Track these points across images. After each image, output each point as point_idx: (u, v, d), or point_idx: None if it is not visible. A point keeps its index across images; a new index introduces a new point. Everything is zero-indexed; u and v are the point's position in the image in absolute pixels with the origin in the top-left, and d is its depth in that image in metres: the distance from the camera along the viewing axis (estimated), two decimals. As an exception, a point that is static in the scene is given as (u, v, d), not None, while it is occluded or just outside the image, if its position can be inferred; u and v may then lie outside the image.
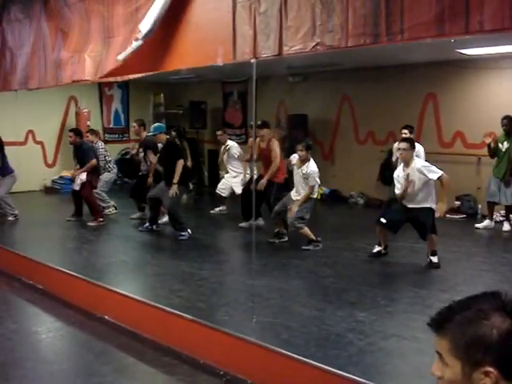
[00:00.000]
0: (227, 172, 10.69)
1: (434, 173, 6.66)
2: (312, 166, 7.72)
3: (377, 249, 7.19)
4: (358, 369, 3.92)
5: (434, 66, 10.56)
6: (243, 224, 9.04)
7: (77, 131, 10.00)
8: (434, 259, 6.80)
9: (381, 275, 6.67)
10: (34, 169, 13.48)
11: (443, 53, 9.36)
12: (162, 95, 15.61)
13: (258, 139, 8.94)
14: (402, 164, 6.93)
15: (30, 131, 13.79)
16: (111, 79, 7.23)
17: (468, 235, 9.02)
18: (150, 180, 9.31)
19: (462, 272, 6.74)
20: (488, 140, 9.02)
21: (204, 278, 6.35)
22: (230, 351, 4.52)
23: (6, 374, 4.49)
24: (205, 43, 5.18)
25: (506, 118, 9.01)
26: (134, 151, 10.30)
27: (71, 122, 14.04)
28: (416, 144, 7.33)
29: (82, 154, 9.66)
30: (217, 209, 10.73)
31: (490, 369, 1.24)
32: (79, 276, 6.22)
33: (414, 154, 6.97)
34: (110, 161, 10.87)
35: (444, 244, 7.50)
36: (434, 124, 11.15)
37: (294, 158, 7.89)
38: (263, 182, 8.49)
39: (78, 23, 6.78)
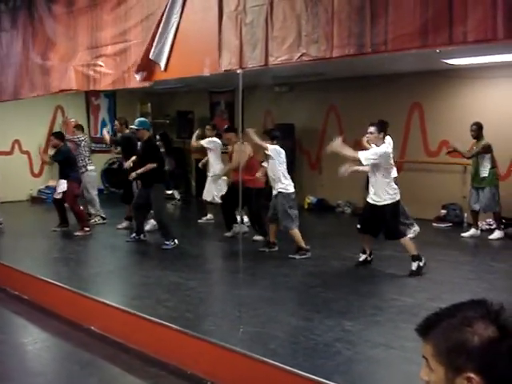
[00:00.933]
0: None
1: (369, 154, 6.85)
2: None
3: (362, 257, 7.20)
4: (346, 378, 3.92)
5: (419, 76, 10.63)
6: (228, 233, 9.04)
7: (57, 134, 10.06)
8: (413, 266, 6.76)
9: (368, 284, 6.67)
10: (20, 178, 13.40)
11: (429, 63, 9.44)
12: (149, 105, 15.61)
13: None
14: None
15: (17, 141, 13.72)
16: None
17: (454, 244, 9.06)
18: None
19: (449, 280, 6.76)
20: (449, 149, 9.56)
21: (191, 288, 6.33)
22: (217, 361, 4.51)
23: (-9, 386, 4.46)
24: (191, 54, 5.20)
25: (475, 124, 9.14)
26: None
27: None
28: (387, 137, 7.58)
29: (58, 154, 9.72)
30: (204, 218, 10.71)
31: (472, 375, 1.26)
32: (65, 286, 6.19)
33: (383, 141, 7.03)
34: (88, 156, 10.73)
35: (430, 252, 7.53)
36: (419, 133, 11.22)
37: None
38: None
39: (64, 33, 6.80)
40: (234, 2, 4.67)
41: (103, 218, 10.58)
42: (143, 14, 5.72)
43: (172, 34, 5.31)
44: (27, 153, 13.98)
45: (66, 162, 9.55)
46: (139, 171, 8.42)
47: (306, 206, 12.55)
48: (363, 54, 3.73)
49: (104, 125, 15.52)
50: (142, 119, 9.18)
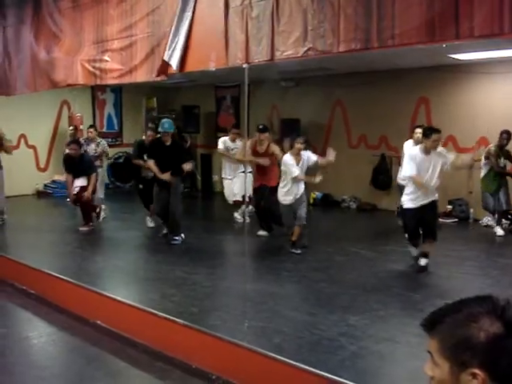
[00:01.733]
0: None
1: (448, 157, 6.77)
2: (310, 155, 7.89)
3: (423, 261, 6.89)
4: (350, 373, 3.92)
5: (426, 71, 10.58)
6: (262, 232, 8.86)
7: (79, 143, 9.78)
8: (422, 262, 6.75)
9: (373, 279, 6.66)
10: (26, 173, 13.44)
11: (435, 57, 9.40)
12: (154, 99, 15.60)
13: (250, 141, 8.89)
14: (420, 149, 6.74)
15: (23, 135, 13.74)
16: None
17: (460, 239, 9.04)
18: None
19: (454, 276, 6.76)
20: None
21: (197, 283, 6.34)
22: (222, 356, 4.52)
23: (-2, 379, 4.48)
24: (198, 48, 5.20)
25: (506, 132, 8.98)
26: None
27: (64, 126, 14.00)
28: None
29: (86, 165, 9.43)
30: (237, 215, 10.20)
31: (477, 371, 1.26)
32: (72, 281, 6.21)
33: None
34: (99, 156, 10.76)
35: (436, 248, 7.52)
36: (426, 128, 11.18)
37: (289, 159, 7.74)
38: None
39: (71, 28, 6.81)
40: (240, -3, 4.66)
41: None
42: (149, 8, 5.72)
43: (184, 33, 5.27)
44: (33, 147, 14.00)
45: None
46: (188, 167, 8.15)
47: (311, 201, 12.55)
48: (370, 48, 3.71)
49: (110, 119, 15.52)
50: (169, 120, 8.56)
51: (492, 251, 8.45)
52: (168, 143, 8.25)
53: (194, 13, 5.20)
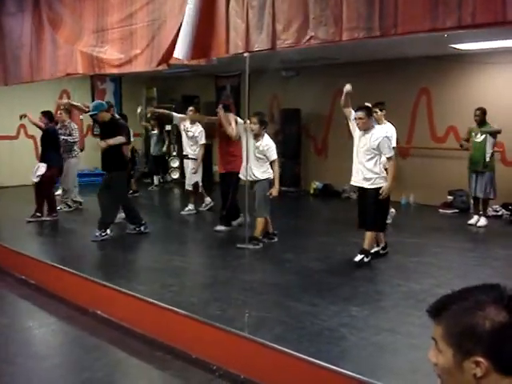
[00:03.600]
0: (186, 156, 10.05)
1: (389, 150, 6.57)
2: (267, 141, 7.36)
3: (374, 249, 7.03)
4: (351, 363, 3.92)
5: (427, 61, 10.55)
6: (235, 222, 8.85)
7: (48, 114, 9.70)
8: (357, 257, 6.59)
9: (374, 270, 6.66)
10: (25, 163, 13.37)
11: (437, 47, 9.36)
12: (154, 89, 15.58)
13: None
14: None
15: (22, 125, 13.68)
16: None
17: (461, 230, 9.03)
18: None
19: (454, 266, 6.75)
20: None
21: (196, 273, 6.34)
22: (222, 346, 4.52)
23: (-2, 369, 4.47)
24: (199, 38, 5.14)
25: (479, 109, 9.08)
26: None
27: (63, 115, 13.96)
28: (389, 125, 8.03)
29: (45, 142, 9.49)
30: (186, 209, 10.05)
31: (481, 359, 1.26)
32: (71, 271, 6.20)
33: (385, 134, 6.84)
34: (76, 142, 10.49)
35: (437, 239, 7.52)
36: (426, 118, 11.16)
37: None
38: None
39: (71, 17, 6.76)
40: (240, -15, 4.61)
41: (80, 204, 10.54)
42: (149, -4, 5.66)
43: (186, 23, 5.18)
44: (33, 137, 13.94)
45: (50, 144, 9.44)
46: (110, 141, 7.76)
47: (311, 192, 12.55)
48: (372, 37, 3.67)
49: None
50: (97, 102, 8.64)
51: (492, 242, 8.43)
52: (106, 120, 8.12)
53: (195, 2, 5.14)
